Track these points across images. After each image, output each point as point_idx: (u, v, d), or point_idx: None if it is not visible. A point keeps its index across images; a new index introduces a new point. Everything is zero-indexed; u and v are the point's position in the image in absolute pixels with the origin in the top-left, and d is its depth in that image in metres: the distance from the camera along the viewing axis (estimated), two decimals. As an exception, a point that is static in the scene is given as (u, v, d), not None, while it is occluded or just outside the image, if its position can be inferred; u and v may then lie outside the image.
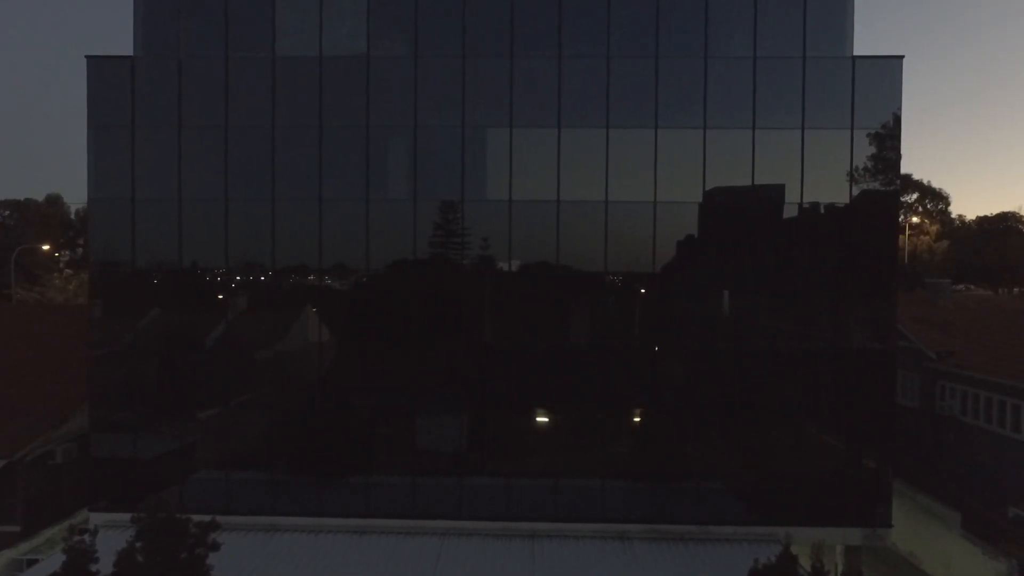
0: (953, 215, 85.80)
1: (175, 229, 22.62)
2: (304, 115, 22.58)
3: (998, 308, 33.35)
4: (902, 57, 21.81)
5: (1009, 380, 25.64)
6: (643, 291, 23.34)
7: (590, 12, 22.32)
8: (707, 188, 22.60)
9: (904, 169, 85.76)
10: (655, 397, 23.09)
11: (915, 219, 79.14)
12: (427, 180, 22.85)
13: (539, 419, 23.41)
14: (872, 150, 22.12)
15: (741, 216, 23.14)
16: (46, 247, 69.72)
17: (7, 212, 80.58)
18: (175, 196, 22.54)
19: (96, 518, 22.33)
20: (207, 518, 16.45)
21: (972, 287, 70.03)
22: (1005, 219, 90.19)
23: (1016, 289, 64.76)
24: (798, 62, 22.15)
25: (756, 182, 22.37)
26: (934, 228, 77.88)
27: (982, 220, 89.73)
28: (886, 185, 22.44)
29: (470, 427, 23.63)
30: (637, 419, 23.47)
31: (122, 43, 25.11)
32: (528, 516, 22.44)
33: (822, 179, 22.39)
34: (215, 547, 16.14)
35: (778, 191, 22.25)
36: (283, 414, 23.57)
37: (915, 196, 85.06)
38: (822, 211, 22.52)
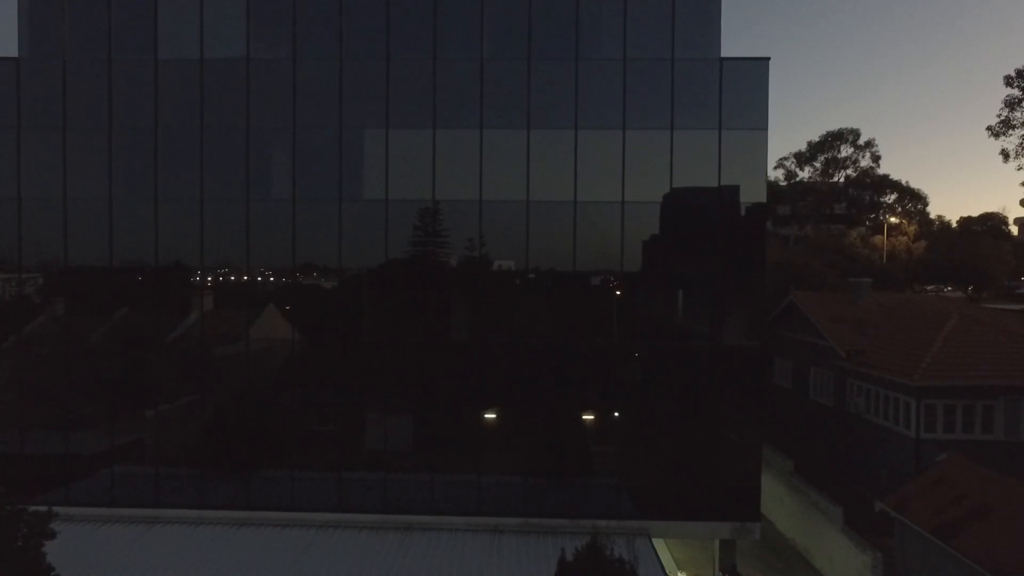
0: (933, 216, 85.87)
1: (60, 228, 23.09)
2: (185, 116, 23.03)
3: (913, 308, 33.49)
4: (768, 59, 22.14)
5: (898, 377, 25.90)
6: (523, 289, 23.63)
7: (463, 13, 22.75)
8: (587, 188, 22.92)
9: (883, 170, 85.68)
10: (536, 394, 23.35)
11: (893, 219, 79.05)
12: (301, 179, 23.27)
13: (417, 417, 23.73)
14: (740, 151, 22.37)
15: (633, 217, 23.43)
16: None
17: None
18: (59, 195, 23.02)
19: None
20: (44, 508, 16.86)
21: (947, 288, 70.04)
22: (988, 220, 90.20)
23: (969, 288, 64.78)
24: (667, 63, 22.50)
25: (630, 182, 22.66)
26: (912, 229, 77.81)
27: (965, 221, 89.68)
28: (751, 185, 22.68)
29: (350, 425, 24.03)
30: (518, 416, 23.73)
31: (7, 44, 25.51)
32: (404, 509, 22.87)
33: (693, 179, 22.68)
34: (51, 535, 16.56)
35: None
36: (164, 410, 24.02)
37: (894, 197, 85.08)
38: (690, 212, 22.79)
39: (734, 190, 22.39)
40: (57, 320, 23.87)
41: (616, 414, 23.24)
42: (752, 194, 22.64)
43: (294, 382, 23.64)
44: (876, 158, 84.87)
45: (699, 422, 22.91)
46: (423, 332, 23.27)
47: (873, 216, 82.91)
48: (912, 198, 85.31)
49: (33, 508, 16.70)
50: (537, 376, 23.09)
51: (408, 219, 22.93)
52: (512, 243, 22.84)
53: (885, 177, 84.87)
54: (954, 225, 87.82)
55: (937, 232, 79.61)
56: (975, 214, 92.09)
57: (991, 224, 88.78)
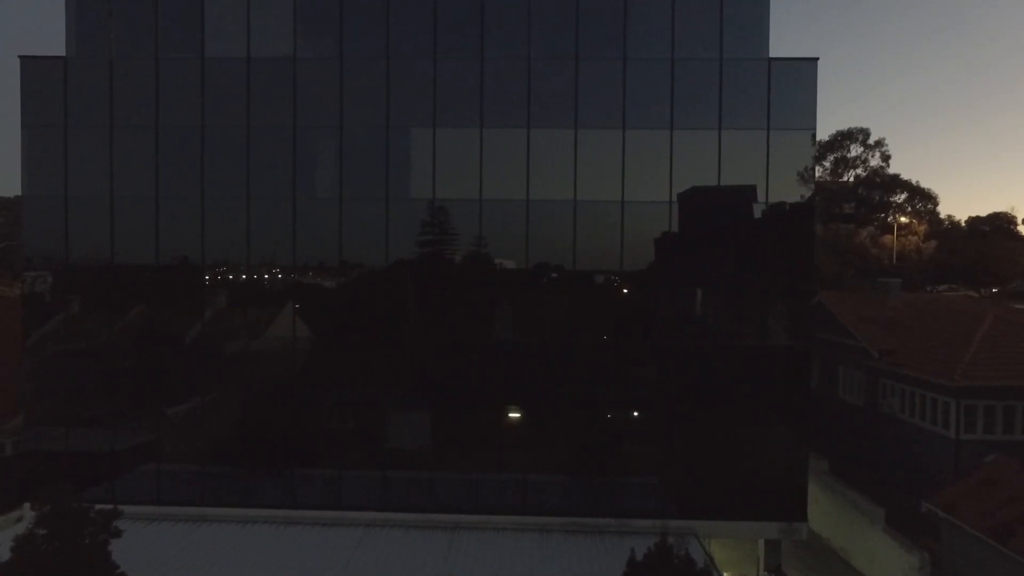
0: (943, 216, 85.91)
1: (107, 226, 23.12)
2: (232, 114, 23.04)
3: (944, 308, 33.58)
4: (816, 59, 22.19)
5: (938, 378, 25.97)
6: (567, 289, 23.65)
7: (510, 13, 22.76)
8: (634, 188, 22.97)
9: (893, 169, 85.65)
10: (580, 394, 23.40)
11: (903, 219, 79.08)
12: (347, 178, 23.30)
13: (464, 416, 23.76)
14: (789, 152, 22.43)
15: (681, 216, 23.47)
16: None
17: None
18: (107, 193, 23.04)
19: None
20: (109, 507, 16.90)
21: (957, 287, 70.11)
22: (996, 219, 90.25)
23: (994, 289, 64.85)
24: (715, 64, 22.53)
25: (679, 183, 22.72)
26: (922, 228, 77.81)
27: (973, 220, 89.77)
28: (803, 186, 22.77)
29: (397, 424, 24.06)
30: (563, 416, 23.78)
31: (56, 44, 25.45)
32: (450, 508, 22.89)
33: (746, 180, 22.75)
34: (117, 534, 16.61)
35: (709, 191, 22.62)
36: (207, 409, 24.06)
37: (904, 196, 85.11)
38: (740, 213, 22.87)
39: (782, 190, 22.45)
40: (95, 317, 23.87)
41: (661, 414, 23.24)
42: (800, 194, 22.72)
43: (338, 380, 23.65)
44: (886, 158, 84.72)
45: (745, 422, 22.96)
46: (469, 332, 23.32)
47: (882, 215, 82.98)
48: (922, 198, 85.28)
49: (99, 506, 16.74)
50: (581, 376, 23.14)
51: (453, 218, 22.98)
52: (559, 243, 22.88)
53: (895, 177, 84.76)
54: (962, 225, 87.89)
55: (947, 232, 79.68)
56: (983, 213, 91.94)
57: (999, 224, 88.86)
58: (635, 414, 23.51)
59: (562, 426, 23.45)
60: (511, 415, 23.65)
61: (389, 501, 23.09)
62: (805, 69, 22.21)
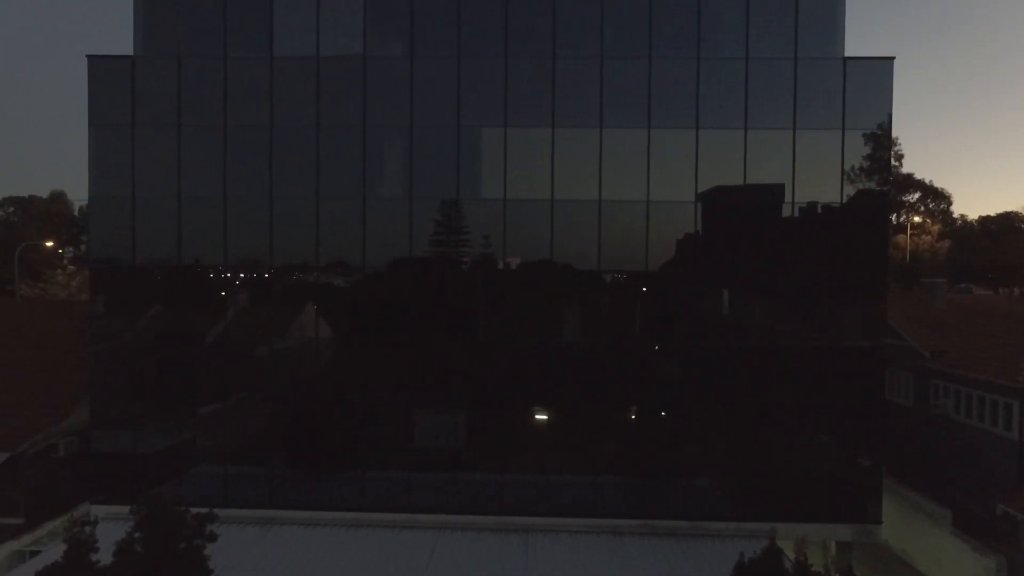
0: (955, 215, 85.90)
1: (174, 227, 22.94)
2: (301, 114, 22.86)
3: (992, 308, 33.54)
4: (893, 59, 22.09)
5: (1000, 379, 25.87)
6: (641, 290, 23.53)
7: (583, 13, 22.60)
8: (702, 188, 22.86)
9: (906, 169, 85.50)
10: (650, 395, 23.30)
11: (917, 219, 78.99)
12: (422, 179, 23.12)
13: (535, 416, 23.63)
14: (865, 151, 22.34)
15: (737, 216, 23.37)
16: (49, 244, 70.11)
17: (11, 208, 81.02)
18: (174, 194, 22.86)
19: (97, 510, 22.73)
20: (205, 510, 16.75)
21: (972, 287, 70.14)
22: (1007, 219, 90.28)
23: (1017, 290, 64.83)
24: (790, 63, 22.40)
25: (750, 182, 22.61)
26: (935, 228, 77.74)
27: (984, 220, 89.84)
28: (879, 185, 22.68)
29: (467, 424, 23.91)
30: (632, 417, 23.68)
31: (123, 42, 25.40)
32: (522, 511, 22.73)
33: (814, 179, 22.64)
34: (212, 538, 16.46)
35: (777, 190, 22.50)
36: (282, 410, 23.89)
37: (917, 196, 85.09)
38: (811, 212, 22.75)
39: (859, 191, 22.40)
40: (165, 317, 23.72)
41: (733, 416, 23.12)
42: (875, 195, 22.64)
43: (403, 381, 23.48)
44: (899, 157, 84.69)
45: (818, 424, 22.87)
46: (542, 332, 23.22)
47: (895, 215, 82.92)
48: (935, 197, 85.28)
49: (195, 510, 16.58)
50: (655, 378, 23.04)
51: (524, 218, 22.84)
52: (631, 244, 22.76)
53: (909, 176, 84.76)
54: (975, 224, 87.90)
55: (960, 231, 79.67)
56: (993, 212, 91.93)
57: (1010, 223, 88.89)
58: (706, 416, 23.35)
59: (631, 428, 23.35)
60: (579, 417, 23.51)
61: (459, 503, 22.93)
62: (881, 68, 22.10)
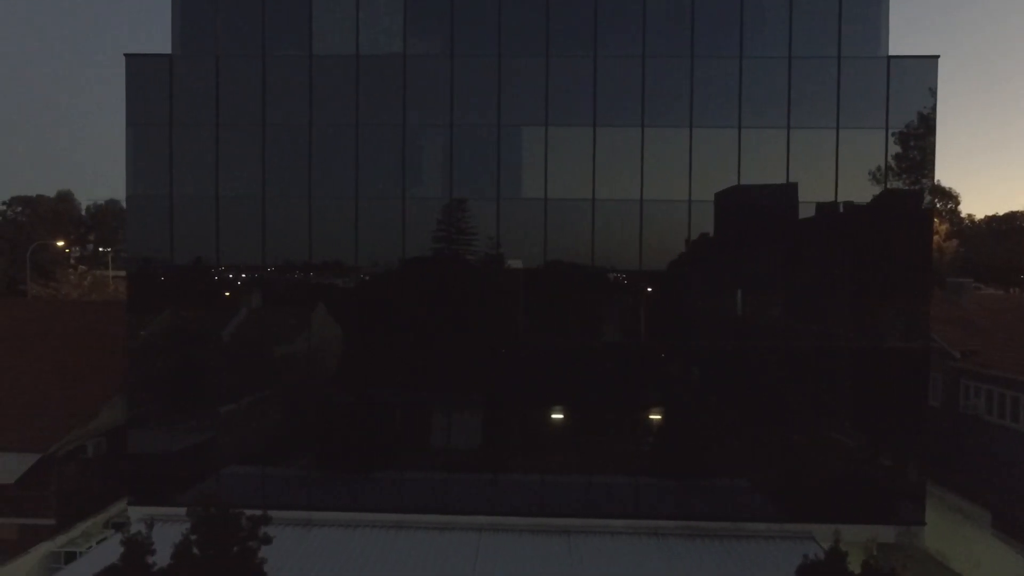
0: (962, 214, 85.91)
1: (212, 226, 22.77)
2: (340, 113, 22.70)
3: (1019, 306, 33.44)
4: (937, 57, 21.98)
5: (1035, 379, 25.77)
6: (683, 288, 23.38)
7: (624, 11, 22.46)
8: (741, 186, 22.75)
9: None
10: (693, 397, 23.18)
11: (925, 218, 78.56)
12: (458, 177, 22.99)
13: (572, 418, 23.49)
14: (909, 150, 22.24)
15: (772, 215, 23.25)
16: (60, 243, 69.92)
17: (19, 208, 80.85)
18: (212, 193, 22.69)
19: (135, 512, 22.58)
20: (258, 512, 16.59)
21: (981, 286, 70.20)
22: (1014, 219, 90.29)
23: (1017, 290, 64.91)
24: (832, 62, 22.29)
25: (790, 181, 22.52)
26: (943, 227, 77.89)
27: (991, 219, 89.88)
28: (919, 183, 22.59)
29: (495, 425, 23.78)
30: (673, 418, 23.56)
31: (143, 42, 25.24)
32: (562, 512, 22.59)
33: (855, 178, 22.55)
34: (267, 540, 16.29)
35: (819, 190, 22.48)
36: (313, 410, 23.74)
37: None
38: (853, 210, 22.64)
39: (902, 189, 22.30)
40: (200, 316, 23.58)
41: (777, 416, 23.00)
42: (918, 194, 22.56)
43: (444, 382, 23.32)
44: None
45: (862, 424, 22.75)
46: (578, 333, 23.08)
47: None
48: (943, 196, 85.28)
49: (249, 512, 16.42)
50: (692, 378, 22.92)
51: (565, 218, 22.71)
52: (672, 242, 22.64)
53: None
54: (982, 224, 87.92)
55: (968, 230, 79.68)
56: (1000, 212, 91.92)
57: (1016, 223, 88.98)
58: (749, 417, 23.21)
59: (672, 429, 23.23)
60: (619, 418, 23.40)
61: (499, 505, 22.79)
62: (925, 67, 21.99)
